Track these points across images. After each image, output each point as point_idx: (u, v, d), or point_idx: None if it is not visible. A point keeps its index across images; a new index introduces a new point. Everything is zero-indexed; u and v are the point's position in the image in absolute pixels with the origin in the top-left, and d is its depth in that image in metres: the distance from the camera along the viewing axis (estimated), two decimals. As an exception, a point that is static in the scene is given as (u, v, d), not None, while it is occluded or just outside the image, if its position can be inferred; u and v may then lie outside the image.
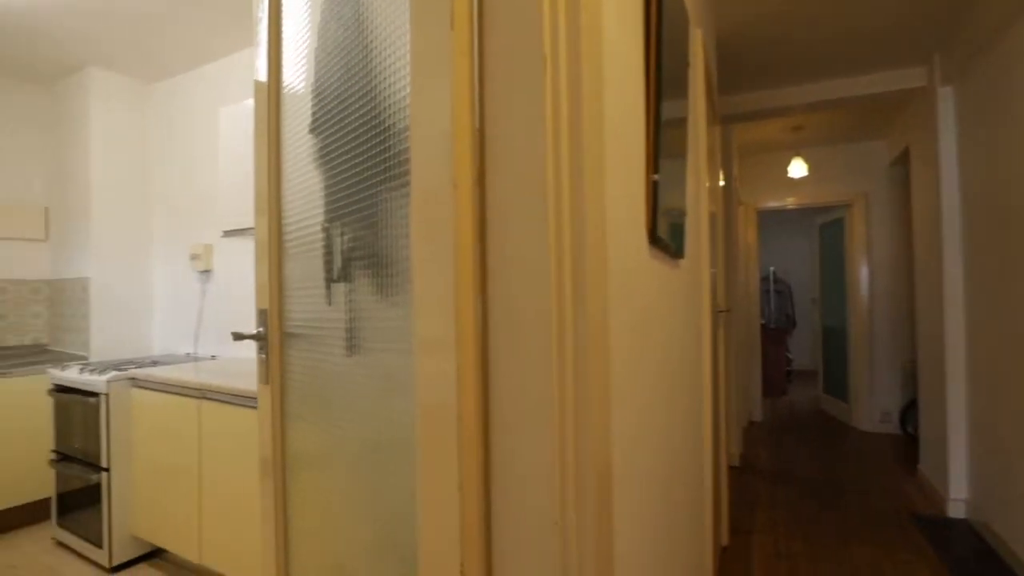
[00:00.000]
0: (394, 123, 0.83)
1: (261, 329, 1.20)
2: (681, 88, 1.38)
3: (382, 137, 0.85)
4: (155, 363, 2.64)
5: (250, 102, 2.31)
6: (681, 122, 1.41)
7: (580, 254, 0.62)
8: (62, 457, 2.59)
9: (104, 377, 2.32)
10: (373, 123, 0.86)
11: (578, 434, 0.62)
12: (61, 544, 2.63)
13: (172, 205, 3.27)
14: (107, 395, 2.32)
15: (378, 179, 0.86)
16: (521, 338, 0.65)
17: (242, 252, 2.83)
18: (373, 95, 0.86)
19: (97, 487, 2.36)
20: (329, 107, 0.94)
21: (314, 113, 0.97)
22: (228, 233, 2.37)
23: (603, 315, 0.62)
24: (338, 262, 0.93)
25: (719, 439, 2.52)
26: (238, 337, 1.20)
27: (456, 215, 0.64)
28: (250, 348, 2.80)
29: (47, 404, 2.65)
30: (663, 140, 1.00)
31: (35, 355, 3.20)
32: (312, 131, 0.98)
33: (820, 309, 5.75)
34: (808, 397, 6.59)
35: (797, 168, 4.48)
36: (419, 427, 0.75)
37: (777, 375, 6.74)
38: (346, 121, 0.92)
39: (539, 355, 0.65)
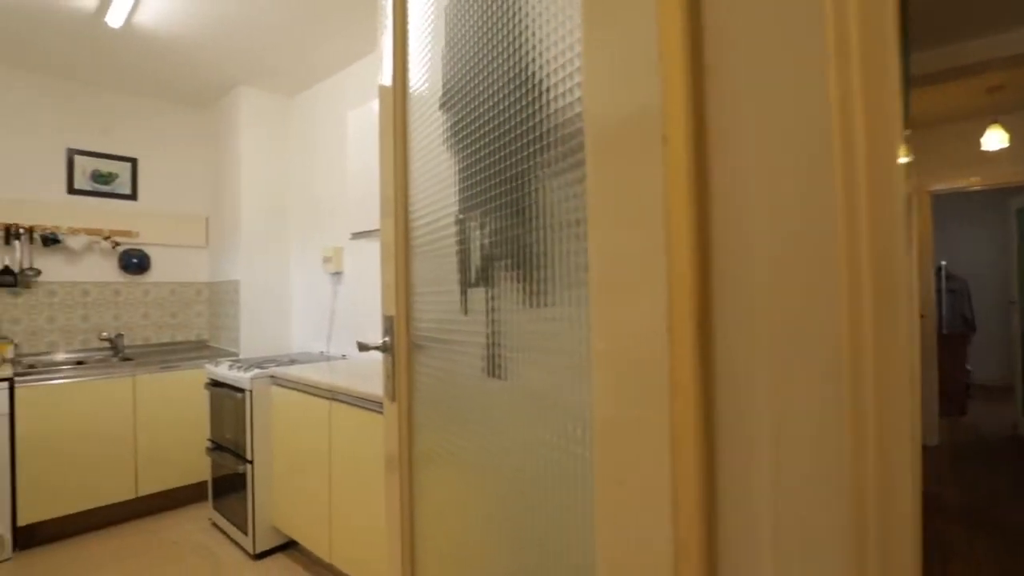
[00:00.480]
0: (548, 77, 0.65)
1: (387, 339, 1.10)
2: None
3: (532, 99, 0.68)
4: (293, 361, 2.76)
5: (375, 103, 2.31)
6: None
7: (887, 240, 0.39)
8: (216, 446, 2.81)
9: (248, 374, 2.45)
10: (520, 83, 0.69)
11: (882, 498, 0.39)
12: (215, 525, 2.85)
13: (307, 210, 3.44)
14: (251, 391, 2.46)
15: (527, 156, 0.69)
16: (784, 356, 0.43)
17: (370, 254, 2.88)
18: (518, 50, 0.69)
19: (243, 477, 2.51)
20: (464, 75, 0.80)
21: (445, 86, 0.83)
22: (356, 235, 2.39)
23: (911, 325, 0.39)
24: (476, 262, 0.78)
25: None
26: (363, 348, 1.12)
27: (666, 179, 0.44)
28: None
29: (204, 396, 2.91)
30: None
31: (198, 350, 3.55)
32: (442, 108, 0.84)
33: (1021, 311, 4.71)
34: (997, 418, 5.45)
35: (994, 139, 3.66)
36: (598, 448, 0.57)
37: (954, 390, 5.66)
38: (484, 89, 0.77)
39: (817, 381, 0.43)
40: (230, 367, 2.62)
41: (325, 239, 3.25)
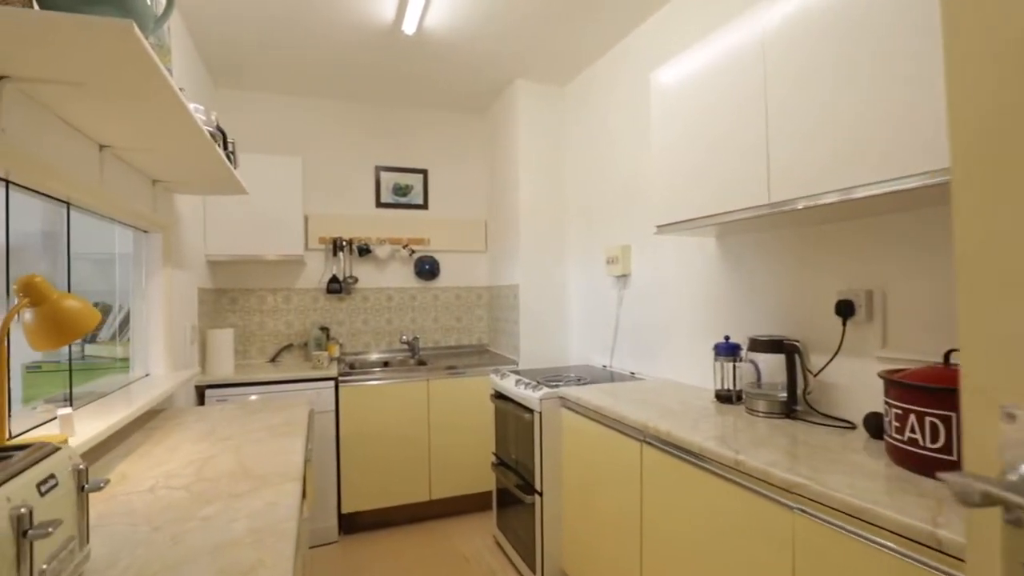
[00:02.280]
0: None
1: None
2: None
3: None
4: (580, 379, 2.39)
5: (702, 52, 1.73)
6: None
7: None
8: (500, 462, 2.63)
9: (537, 394, 2.15)
10: None
11: None
12: (500, 546, 2.67)
13: (586, 208, 3.09)
14: (540, 413, 2.14)
15: None
16: None
17: (680, 250, 2.33)
18: None
19: (531, 508, 2.23)
20: None
21: None
22: (664, 228, 1.86)
23: None
24: None
25: None
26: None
27: None
28: (682, 368, 2.26)
29: (489, 408, 2.78)
30: None
31: (479, 355, 3.53)
32: None
33: None
34: None
35: None
36: None
37: None
38: None
39: None
40: (516, 383, 2.37)
41: (609, 238, 2.83)
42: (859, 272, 1.52)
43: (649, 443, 1.60)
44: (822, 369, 1.61)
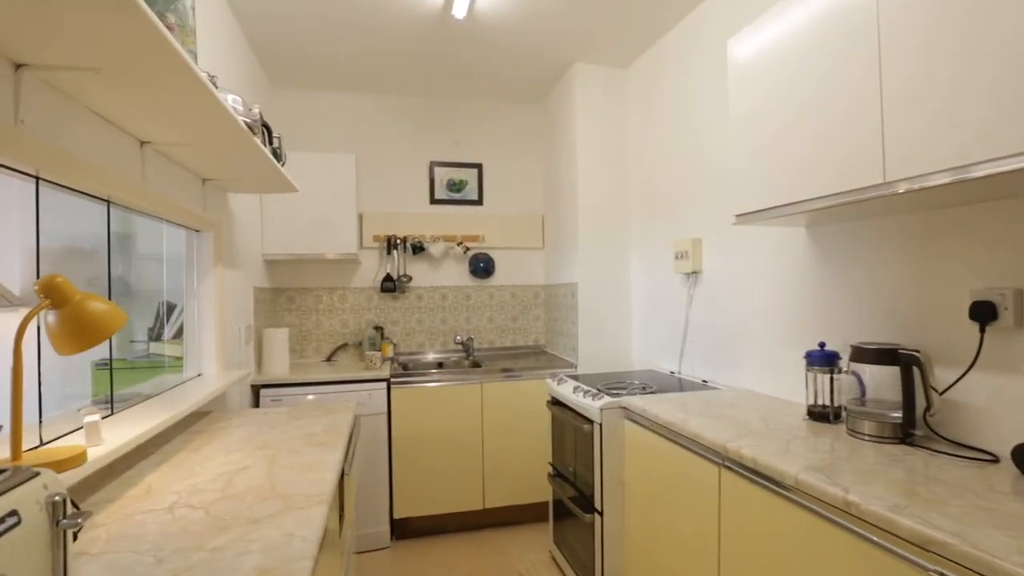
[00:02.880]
0: None
1: None
2: None
3: None
4: (644, 387, 2.16)
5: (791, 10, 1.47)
6: None
7: None
8: (558, 474, 2.45)
9: (597, 403, 1.95)
10: None
11: None
12: (556, 563, 2.50)
13: (651, 200, 2.84)
14: (600, 425, 1.94)
15: None
16: None
17: (757, 243, 2.06)
18: None
19: (590, 528, 2.03)
20: None
21: None
22: (743, 218, 1.61)
23: None
24: None
25: None
26: None
27: None
28: (764, 377, 1.99)
29: (545, 414, 2.61)
30: None
31: (535, 356, 3.37)
32: None
33: None
34: None
35: None
36: None
37: None
38: None
39: None
40: (575, 389, 2.18)
41: (677, 231, 2.58)
42: (1002, 266, 1.22)
43: (729, 467, 1.37)
44: (951, 386, 1.32)
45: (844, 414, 1.51)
